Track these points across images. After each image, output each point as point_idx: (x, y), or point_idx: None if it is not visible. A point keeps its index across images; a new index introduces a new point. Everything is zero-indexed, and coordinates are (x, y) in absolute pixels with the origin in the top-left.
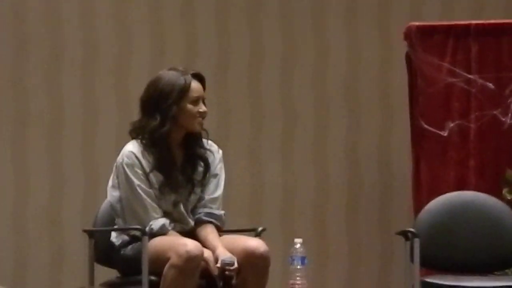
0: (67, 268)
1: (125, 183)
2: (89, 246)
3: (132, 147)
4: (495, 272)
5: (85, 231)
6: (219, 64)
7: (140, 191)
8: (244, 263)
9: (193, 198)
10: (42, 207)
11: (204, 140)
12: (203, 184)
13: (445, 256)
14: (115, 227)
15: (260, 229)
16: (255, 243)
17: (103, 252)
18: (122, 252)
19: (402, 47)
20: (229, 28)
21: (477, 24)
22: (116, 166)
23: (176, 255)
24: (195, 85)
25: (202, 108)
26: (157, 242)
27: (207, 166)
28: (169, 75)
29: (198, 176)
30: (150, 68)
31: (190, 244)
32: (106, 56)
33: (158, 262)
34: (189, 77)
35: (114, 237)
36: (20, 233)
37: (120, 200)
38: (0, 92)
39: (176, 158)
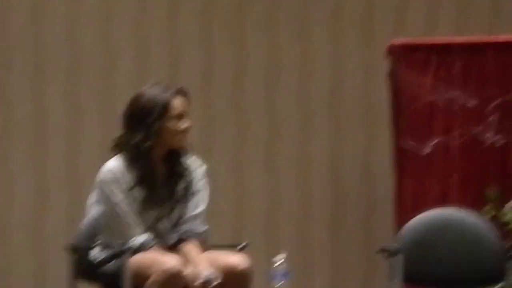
0: (50, 284)
1: (108, 199)
2: (71, 262)
3: (115, 162)
4: (477, 287)
5: (66, 247)
6: (203, 75)
7: (122, 207)
8: (226, 280)
9: (176, 214)
10: (25, 220)
11: (188, 156)
12: (185, 200)
13: (428, 272)
14: (98, 242)
15: (243, 244)
16: (236, 260)
17: (87, 268)
18: (104, 268)
19: (385, 63)
20: (213, 39)
21: (460, 42)
22: (98, 184)
23: (157, 272)
24: (177, 101)
25: (184, 124)
26: (139, 259)
27: (188, 183)
28: (152, 91)
29: (180, 193)
30: (134, 80)
31: (171, 261)
32: (91, 67)
33: (140, 278)
34: (171, 93)
35: (96, 252)
36: (2, 246)
37: (103, 215)
38: None
39: (159, 173)
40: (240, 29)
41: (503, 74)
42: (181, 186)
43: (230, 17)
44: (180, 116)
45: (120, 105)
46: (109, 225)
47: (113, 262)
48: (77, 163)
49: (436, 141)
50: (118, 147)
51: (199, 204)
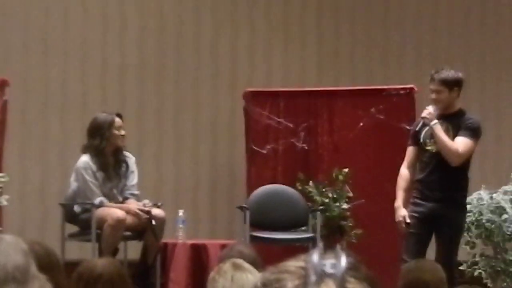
0: (52, 224)
1: (81, 179)
2: (63, 213)
3: (85, 158)
4: (292, 230)
5: (60, 204)
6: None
7: (89, 183)
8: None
9: (121, 185)
10: (41, 188)
11: (125, 152)
12: (126, 177)
13: (264, 220)
14: (77, 202)
15: (159, 203)
16: (158, 211)
17: (72, 217)
18: (81, 216)
19: (243, 101)
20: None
21: (282, 90)
22: (75, 169)
23: (110, 219)
24: (117, 119)
25: (122, 132)
26: (101, 211)
27: (127, 166)
28: (103, 115)
29: (122, 173)
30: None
31: (118, 212)
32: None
33: (101, 223)
34: (113, 115)
35: (76, 207)
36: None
37: (78, 187)
38: None
39: (110, 162)
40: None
41: (308, 109)
42: (123, 169)
43: None
44: (119, 128)
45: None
46: (81, 193)
47: (86, 213)
48: (67, 161)
49: (270, 146)
50: (86, 149)
51: (133, 179)
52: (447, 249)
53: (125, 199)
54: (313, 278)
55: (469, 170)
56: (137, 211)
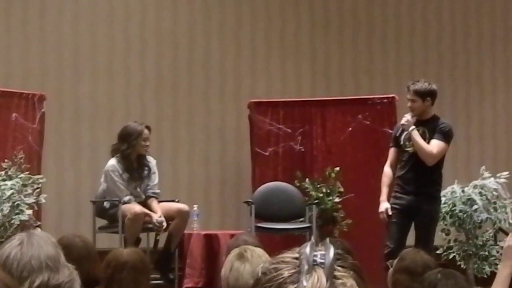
0: (84, 219)
1: (110, 179)
2: (93, 209)
3: (112, 161)
4: (291, 221)
5: (91, 201)
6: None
7: (117, 183)
8: (176, 216)
9: (143, 185)
10: (77, 186)
11: (147, 156)
12: (148, 178)
13: (267, 213)
14: (106, 199)
15: (177, 200)
16: (181, 206)
17: (101, 212)
18: (109, 211)
19: (247, 110)
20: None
21: (281, 100)
22: (104, 171)
23: (129, 213)
24: (146, 131)
25: (147, 143)
26: (124, 207)
27: (149, 169)
28: (134, 124)
29: (145, 174)
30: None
31: (136, 207)
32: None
33: (124, 217)
34: (143, 127)
35: (105, 204)
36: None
37: (107, 187)
38: None
39: (133, 165)
40: None
41: (303, 117)
42: (145, 171)
43: None
44: (145, 139)
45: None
46: (111, 192)
47: (113, 209)
48: (97, 161)
49: (271, 149)
50: (113, 150)
51: (154, 179)
52: (424, 236)
53: (148, 197)
54: (305, 267)
55: (443, 167)
56: (154, 221)
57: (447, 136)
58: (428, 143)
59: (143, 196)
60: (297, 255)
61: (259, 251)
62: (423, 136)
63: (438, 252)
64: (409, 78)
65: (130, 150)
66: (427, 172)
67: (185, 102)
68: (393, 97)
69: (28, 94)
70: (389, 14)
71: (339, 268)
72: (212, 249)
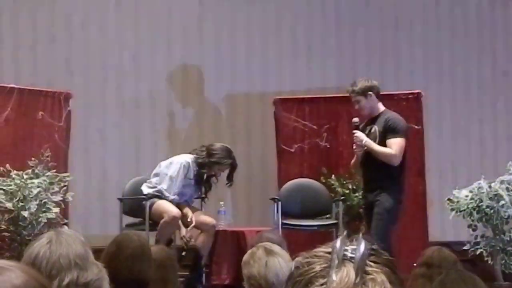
0: (111, 217)
1: (176, 171)
2: (120, 206)
3: (189, 157)
4: (317, 217)
5: (118, 199)
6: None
7: (179, 178)
8: (203, 229)
9: (196, 194)
10: (106, 182)
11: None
12: (204, 192)
13: (293, 210)
14: (147, 182)
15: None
16: (209, 220)
17: (130, 209)
18: (144, 203)
19: (273, 107)
20: None
21: (307, 97)
22: (176, 161)
23: (167, 216)
24: (227, 168)
25: (220, 173)
26: (159, 207)
27: (205, 188)
28: (229, 154)
29: (200, 189)
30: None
31: (174, 211)
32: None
33: (158, 216)
34: (230, 162)
35: (145, 188)
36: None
37: (166, 175)
38: None
39: (202, 177)
40: None
41: (329, 113)
42: (203, 187)
43: None
44: (223, 170)
45: None
46: (167, 180)
47: (150, 201)
48: (124, 158)
49: (297, 145)
50: (196, 152)
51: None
52: (376, 226)
53: (185, 201)
54: (336, 261)
55: (405, 161)
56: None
57: (398, 131)
58: (381, 140)
59: (190, 201)
60: (329, 250)
61: (277, 246)
62: (375, 135)
63: (465, 248)
64: (436, 74)
65: (208, 168)
66: (382, 168)
67: (211, 101)
68: (419, 92)
69: (55, 92)
70: (416, 9)
71: (371, 263)
72: (239, 246)
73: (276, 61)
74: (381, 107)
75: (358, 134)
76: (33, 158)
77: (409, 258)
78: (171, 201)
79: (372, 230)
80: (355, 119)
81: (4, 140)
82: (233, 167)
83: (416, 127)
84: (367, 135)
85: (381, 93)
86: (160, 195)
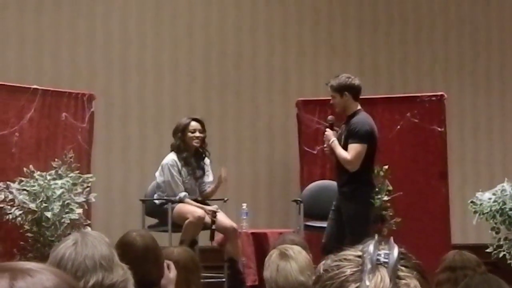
0: (133, 218)
1: (168, 174)
2: (142, 208)
3: (172, 155)
4: None
5: (140, 200)
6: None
7: (175, 178)
8: (225, 233)
9: (200, 181)
10: (127, 185)
11: (206, 159)
12: (202, 176)
13: (316, 211)
14: (159, 194)
15: (225, 198)
16: (229, 225)
17: (152, 210)
18: (160, 208)
19: (295, 109)
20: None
21: (329, 99)
22: (162, 165)
23: (192, 217)
24: (192, 123)
25: (196, 134)
26: (182, 207)
27: (203, 171)
28: (183, 119)
29: (200, 173)
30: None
31: (198, 211)
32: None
33: (182, 217)
34: (190, 119)
35: (156, 200)
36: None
37: (163, 181)
38: None
39: (191, 160)
40: None
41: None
42: (201, 169)
43: None
44: (194, 131)
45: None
46: (167, 186)
47: (166, 205)
48: (146, 159)
49: (319, 147)
50: (171, 146)
51: (209, 176)
52: (350, 234)
53: (202, 191)
54: (368, 266)
55: (371, 166)
56: (206, 212)
57: (359, 137)
58: (345, 143)
59: (197, 192)
60: (360, 253)
61: (297, 248)
62: (340, 137)
63: (487, 250)
64: (457, 76)
65: (181, 144)
66: (346, 172)
67: (232, 101)
68: (441, 95)
69: (78, 93)
70: (437, 11)
71: (402, 268)
72: (262, 247)
73: (298, 63)
74: (356, 108)
75: (327, 133)
76: (56, 159)
77: (431, 261)
78: (183, 198)
79: (351, 236)
80: (330, 117)
81: (28, 141)
82: (195, 120)
83: (439, 129)
84: (339, 135)
85: (403, 95)
86: (171, 201)
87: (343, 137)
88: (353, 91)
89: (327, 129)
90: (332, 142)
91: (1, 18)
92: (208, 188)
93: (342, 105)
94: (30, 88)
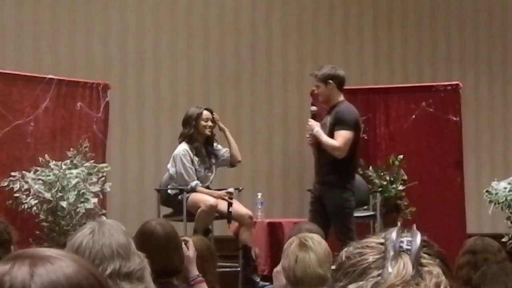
0: (148, 208)
1: (180, 164)
2: (157, 197)
3: (183, 145)
4: (355, 208)
5: (156, 189)
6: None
7: (188, 168)
8: (240, 221)
9: (212, 168)
10: (142, 175)
11: (215, 144)
12: (215, 165)
13: None
14: (169, 186)
15: (241, 188)
16: (244, 212)
17: (167, 200)
18: (174, 199)
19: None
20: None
21: (344, 89)
22: (173, 156)
23: (204, 205)
24: (205, 112)
25: (208, 123)
26: (195, 196)
27: (216, 156)
28: (193, 108)
29: (213, 160)
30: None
31: (210, 199)
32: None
33: (195, 206)
34: (203, 108)
35: (170, 190)
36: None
37: (176, 172)
38: None
39: (203, 150)
40: None
41: (366, 104)
42: (212, 157)
43: None
44: (206, 120)
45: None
46: (179, 177)
47: (180, 195)
48: (161, 149)
49: None
50: (180, 136)
51: (222, 149)
52: (337, 224)
53: (224, 160)
54: (391, 253)
55: (356, 154)
56: (222, 196)
57: (347, 124)
58: (330, 131)
59: (211, 179)
60: (382, 240)
61: (317, 237)
62: (326, 126)
63: (503, 240)
64: (473, 65)
65: (194, 133)
66: (330, 161)
67: (247, 91)
68: (457, 84)
69: (93, 83)
70: (453, 1)
71: (425, 255)
72: (276, 237)
73: (312, 53)
74: (340, 98)
75: (311, 123)
76: (71, 149)
77: (447, 249)
78: (195, 186)
79: (335, 226)
80: (313, 108)
81: (43, 130)
82: (207, 109)
83: (454, 118)
84: (322, 125)
85: (418, 84)
86: (184, 190)
87: (328, 125)
88: (338, 80)
89: (310, 120)
90: (317, 131)
91: (17, 8)
92: (227, 154)
93: (327, 94)
94: (46, 78)
